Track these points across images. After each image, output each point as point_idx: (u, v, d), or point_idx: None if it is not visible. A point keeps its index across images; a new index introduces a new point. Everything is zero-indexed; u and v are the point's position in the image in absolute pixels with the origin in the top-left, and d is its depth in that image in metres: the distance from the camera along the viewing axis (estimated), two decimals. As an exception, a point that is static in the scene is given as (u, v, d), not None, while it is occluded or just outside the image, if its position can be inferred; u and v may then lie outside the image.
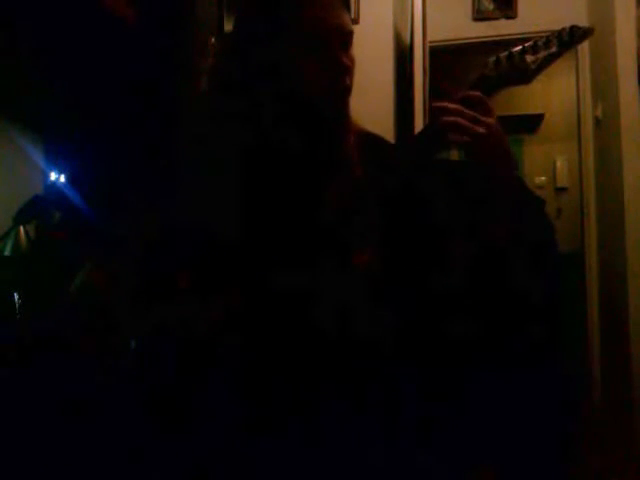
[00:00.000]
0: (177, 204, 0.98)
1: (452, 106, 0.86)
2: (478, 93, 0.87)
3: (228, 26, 2.53)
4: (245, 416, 0.89)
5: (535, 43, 0.86)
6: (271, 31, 0.93)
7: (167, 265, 0.96)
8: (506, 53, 0.87)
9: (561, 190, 4.51)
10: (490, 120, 0.86)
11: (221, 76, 1.04)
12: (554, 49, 0.85)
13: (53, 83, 1.83)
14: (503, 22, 3.41)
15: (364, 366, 0.89)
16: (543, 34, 0.86)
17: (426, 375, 0.91)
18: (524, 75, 0.87)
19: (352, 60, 0.95)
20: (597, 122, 3.22)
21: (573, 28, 0.85)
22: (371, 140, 1.04)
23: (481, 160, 0.87)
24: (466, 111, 0.85)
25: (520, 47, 0.87)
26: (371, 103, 2.37)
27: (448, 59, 3.47)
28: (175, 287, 0.94)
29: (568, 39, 0.85)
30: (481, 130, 0.85)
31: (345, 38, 0.94)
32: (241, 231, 0.91)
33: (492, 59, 0.87)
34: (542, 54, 0.86)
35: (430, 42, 2.91)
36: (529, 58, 0.86)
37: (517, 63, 0.86)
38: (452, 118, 0.85)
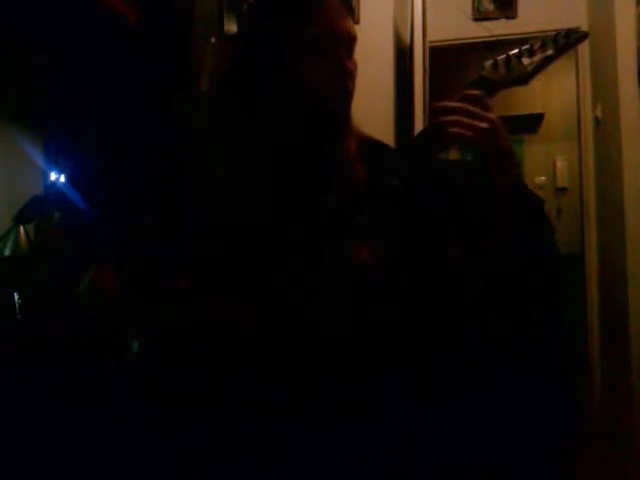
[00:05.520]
0: (178, 203, 0.98)
1: (453, 104, 0.87)
2: (478, 91, 0.87)
3: (228, 26, 2.53)
4: (245, 415, 0.89)
5: (531, 46, 0.87)
6: (278, 35, 0.95)
7: (170, 265, 0.96)
8: (503, 56, 0.88)
9: (561, 190, 4.51)
10: (492, 116, 0.86)
11: (226, 76, 1.05)
12: (550, 52, 0.86)
13: (53, 82, 1.83)
14: (503, 22, 3.41)
15: (362, 362, 0.89)
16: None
17: (425, 372, 0.92)
18: (521, 77, 0.88)
19: (355, 65, 0.97)
20: (597, 122, 3.22)
21: (569, 31, 0.86)
22: (372, 144, 1.05)
23: (485, 156, 0.87)
24: (468, 108, 0.85)
25: (517, 50, 0.87)
26: (371, 103, 2.37)
27: (448, 59, 3.47)
28: (178, 287, 0.95)
29: (564, 42, 0.86)
30: (484, 125, 0.85)
31: (349, 44, 0.97)
32: (241, 229, 0.91)
33: (489, 62, 0.88)
34: (538, 57, 0.87)
35: (430, 42, 2.91)
36: (526, 61, 0.87)
37: (514, 66, 0.87)
38: (454, 117, 0.85)
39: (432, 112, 0.91)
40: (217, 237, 0.92)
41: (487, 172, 0.89)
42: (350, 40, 0.97)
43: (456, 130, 0.86)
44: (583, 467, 2.20)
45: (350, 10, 1.00)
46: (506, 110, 4.16)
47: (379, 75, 2.78)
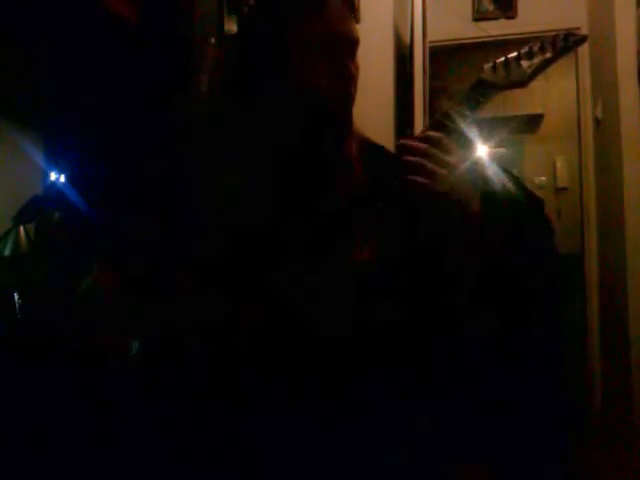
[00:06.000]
0: (178, 203, 0.98)
1: (416, 145, 0.88)
2: (439, 134, 0.88)
3: (228, 26, 2.53)
4: (245, 415, 0.89)
5: (530, 49, 0.87)
6: (279, 36, 0.95)
7: (171, 265, 0.96)
8: (502, 59, 0.89)
9: (561, 190, 4.51)
10: (451, 159, 0.87)
11: (226, 76, 1.05)
12: (549, 54, 0.87)
13: (53, 82, 1.83)
14: (503, 22, 3.41)
15: (361, 362, 0.90)
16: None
17: (424, 372, 0.92)
18: (520, 80, 0.88)
19: (357, 68, 0.97)
20: (597, 122, 3.22)
21: (568, 34, 0.87)
22: (372, 146, 1.06)
23: (442, 199, 0.88)
24: (430, 151, 0.87)
25: (516, 53, 0.88)
26: (371, 103, 2.37)
27: (448, 59, 3.47)
28: (178, 287, 0.95)
29: (563, 45, 0.87)
30: (442, 171, 0.86)
31: (351, 46, 0.97)
32: (242, 229, 0.91)
33: (489, 65, 0.89)
34: (537, 59, 0.87)
35: (430, 42, 2.91)
36: (525, 63, 0.88)
37: (513, 68, 0.88)
38: (415, 159, 0.87)
39: (398, 148, 0.93)
40: (217, 237, 0.92)
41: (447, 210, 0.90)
42: (352, 42, 0.97)
43: (417, 180, 0.87)
44: (583, 467, 2.20)
45: (353, 12, 1.00)
46: (506, 110, 4.16)
47: (379, 75, 2.77)
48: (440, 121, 0.89)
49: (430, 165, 0.87)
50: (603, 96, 3.12)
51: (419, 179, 0.87)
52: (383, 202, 0.91)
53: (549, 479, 0.98)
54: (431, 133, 0.89)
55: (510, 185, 0.99)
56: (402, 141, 0.91)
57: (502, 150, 4.29)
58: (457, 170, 0.88)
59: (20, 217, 1.72)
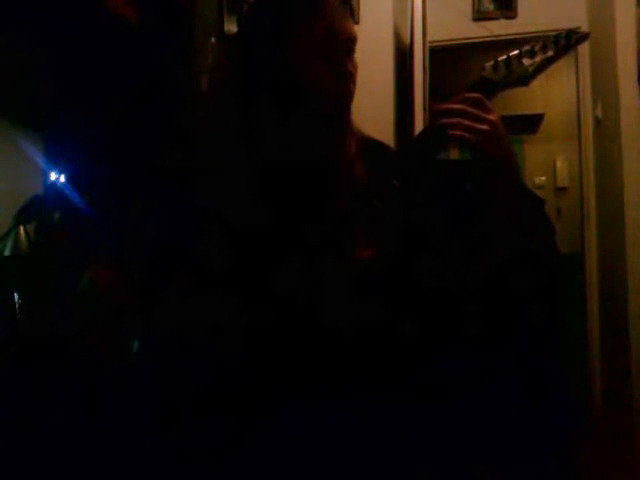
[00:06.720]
0: (179, 203, 0.98)
1: (454, 106, 0.87)
2: (477, 94, 0.88)
3: (228, 26, 2.53)
4: (246, 415, 0.89)
5: (532, 47, 0.87)
6: (278, 36, 0.95)
7: (169, 265, 0.96)
8: (504, 57, 0.88)
9: (561, 190, 4.51)
10: (492, 117, 0.87)
11: (226, 76, 1.06)
12: (551, 53, 0.87)
13: (54, 82, 1.83)
14: (503, 22, 3.41)
15: (360, 360, 0.90)
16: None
17: (423, 372, 0.92)
18: (522, 78, 0.88)
19: (355, 66, 0.98)
20: (597, 122, 3.22)
21: (569, 32, 0.86)
22: (372, 144, 1.06)
23: (485, 158, 0.88)
24: (468, 109, 0.86)
25: (517, 51, 0.88)
26: (371, 103, 2.37)
27: (448, 59, 3.47)
28: (177, 287, 0.95)
29: (565, 43, 0.86)
30: (484, 127, 0.86)
31: (350, 45, 0.97)
32: (243, 229, 0.91)
33: (490, 63, 0.89)
34: (539, 58, 0.87)
35: (430, 42, 2.91)
36: (526, 62, 0.87)
37: (515, 67, 0.88)
38: (454, 119, 0.86)
39: (433, 114, 0.92)
40: (218, 237, 0.92)
41: (486, 174, 0.89)
42: (350, 41, 0.98)
43: (457, 132, 0.86)
44: (583, 467, 2.20)
45: (350, 11, 1.01)
46: (506, 110, 4.16)
47: (379, 75, 2.78)
48: (476, 85, 0.89)
49: (469, 123, 0.86)
50: (603, 96, 3.12)
51: (457, 132, 0.86)
52: (383, 201, 0.91)
53: (549, 479, 0.98)
54: (469, 94, 0.89)
55: None
56: (435, 106, 0.91)
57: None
58: (497, 127, 0.88)
59: (20, 217, 1.72)
